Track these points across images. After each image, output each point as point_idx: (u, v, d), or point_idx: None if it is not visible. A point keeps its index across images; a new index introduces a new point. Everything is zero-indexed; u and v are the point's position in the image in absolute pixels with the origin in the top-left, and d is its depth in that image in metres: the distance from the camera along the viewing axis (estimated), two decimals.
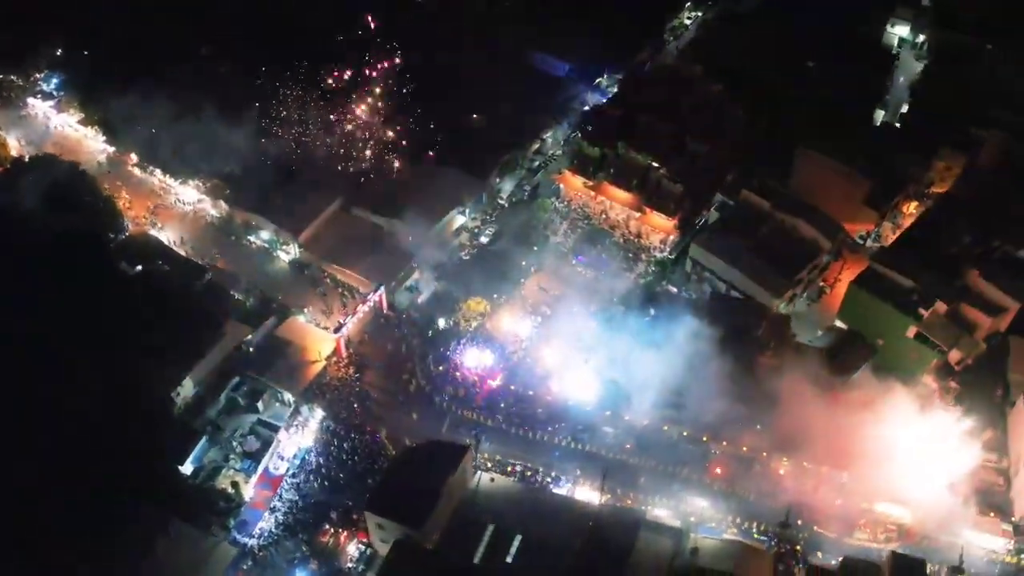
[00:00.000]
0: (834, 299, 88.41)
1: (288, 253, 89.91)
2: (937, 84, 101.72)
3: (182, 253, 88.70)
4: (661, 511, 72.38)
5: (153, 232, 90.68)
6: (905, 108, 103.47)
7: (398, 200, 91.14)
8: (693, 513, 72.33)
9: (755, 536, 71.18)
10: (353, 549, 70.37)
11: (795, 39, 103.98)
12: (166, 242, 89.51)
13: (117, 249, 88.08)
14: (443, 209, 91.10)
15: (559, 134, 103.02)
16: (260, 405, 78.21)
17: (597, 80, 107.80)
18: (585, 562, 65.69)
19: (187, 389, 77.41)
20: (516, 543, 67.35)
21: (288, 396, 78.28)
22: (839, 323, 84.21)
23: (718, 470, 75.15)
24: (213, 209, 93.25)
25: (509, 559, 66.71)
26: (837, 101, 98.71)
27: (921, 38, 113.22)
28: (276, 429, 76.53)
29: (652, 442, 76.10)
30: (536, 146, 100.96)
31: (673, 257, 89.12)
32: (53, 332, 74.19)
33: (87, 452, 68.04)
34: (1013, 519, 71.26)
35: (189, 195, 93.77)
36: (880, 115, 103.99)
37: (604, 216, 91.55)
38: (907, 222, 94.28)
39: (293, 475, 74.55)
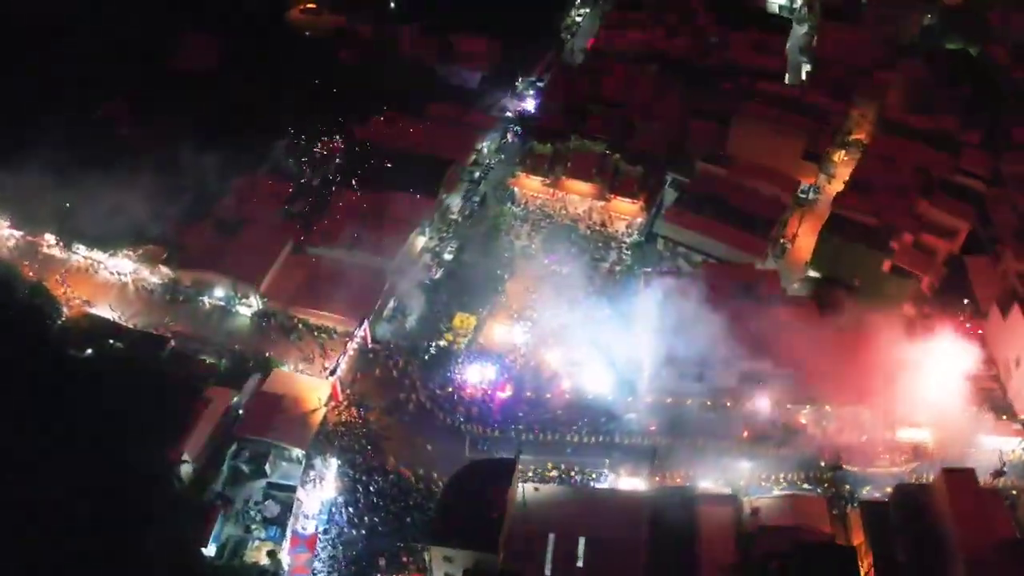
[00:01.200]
0: (797, 252, 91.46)
1: (250, 306, 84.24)
2: (831, 40, 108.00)
3: (131, 327, 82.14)
4: (706, 482, 72.13)
5: (93, 311, 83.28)
6: (808, 68, 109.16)
7: (352, 231, 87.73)
8: (740, 477, 72.52)
9: (803, 487, 72.20)
10: None
11: (693, 16, 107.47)
12: (112, 319, 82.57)
13: (57, 336, 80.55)
14: (402, 233, 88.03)
15: (492, 143, 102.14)
16: (267, 468, 72.57)
17: (515, 84, 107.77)
18: (657, 547, 64.52)
19: (185, 467, 70.86)
20: (582, 546, 65.41)
21: (296, 452, 72.88)
22: (812, 272, 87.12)
23: (745, 433, 75.97)
24: (154, 275, 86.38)
25: (580, 563, 64.72)
26: (746, 70, 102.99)
27: (799, 2, 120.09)
28: (292, 489, 71.13)
29: (677, 418, 75.99)
30: (473, 157, 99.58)
31: (642, 239, 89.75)
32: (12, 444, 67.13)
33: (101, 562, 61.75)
34: (1021, 418, 75.77)
35: (123, 266, 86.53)
36: (785, 77, 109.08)
37: (564, 212, 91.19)
38: (838, 171, 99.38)
39: (325, 531, 69.54)
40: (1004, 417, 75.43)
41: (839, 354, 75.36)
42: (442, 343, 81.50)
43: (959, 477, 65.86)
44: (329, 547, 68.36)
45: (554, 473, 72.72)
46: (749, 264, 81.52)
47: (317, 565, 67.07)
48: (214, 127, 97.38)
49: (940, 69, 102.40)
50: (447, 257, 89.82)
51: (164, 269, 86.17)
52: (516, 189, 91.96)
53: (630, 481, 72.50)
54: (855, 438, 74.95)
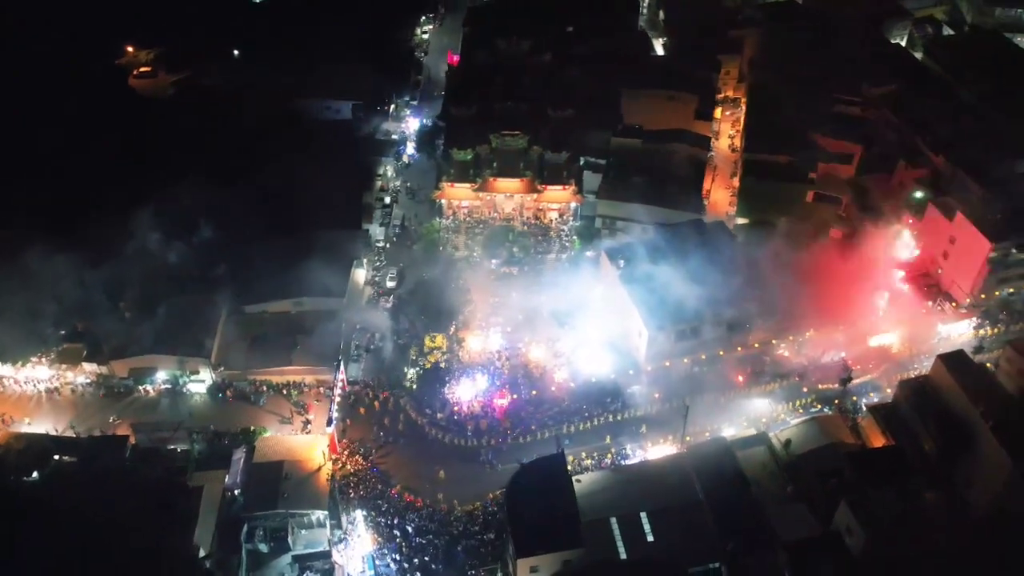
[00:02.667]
0: (713, 206, 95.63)
1: (202, 381, 76.77)
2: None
3: (75, 436, 72.53)
4: (730, 430, 73.43)
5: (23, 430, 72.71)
6: (662, 41, 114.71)
7: (288, 279, 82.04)
8: (760, 417, 74.51)
9: (813, 410, 75.16)
10: None
11: (549, 11, 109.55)
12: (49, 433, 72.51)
13: None
14: (343, 269, 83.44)
15: (389, 167, 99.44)
16: (290, 541, 66.01)
17: (391, 107, 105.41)
18: (715, 500, 64.44)
19: (204, 564, 62.98)
20: (645, 521, 64.42)
21: (316, 515, 66.74)
22: (740, 220, 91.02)
23: (740, 377, 78.13)
24: (79, 376, 76.79)
25: (650, 538, 63.61)
26: (613, 51, 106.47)
27: None
28: (325, 555, 65.15)
29: (677, 379, 76.96)
30: (379, 184, 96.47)
31: (579, 222, 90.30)
32: None
33: None
34: (966, 301, 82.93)
35: (39, 374, 76.33)
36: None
37: (495, 214, 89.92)
38: (720, 128, 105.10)
39: None
40: (954, 305, 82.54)
41: (803, 284, 79.48)
42: (419, 368, 78.06)
43: (955, 359, 71.00)
44: None
45: (588, 462, 71.47)
46: (699, 220, 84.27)
47: None
48: (76, 211, 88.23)
49: (781, 19, 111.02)
50: (390, 285, 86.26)
51: (89, 366, 76.88)
52: (443, 201, 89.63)
53: (660, 449, 72.51)
54: (837, 355, 79.35)
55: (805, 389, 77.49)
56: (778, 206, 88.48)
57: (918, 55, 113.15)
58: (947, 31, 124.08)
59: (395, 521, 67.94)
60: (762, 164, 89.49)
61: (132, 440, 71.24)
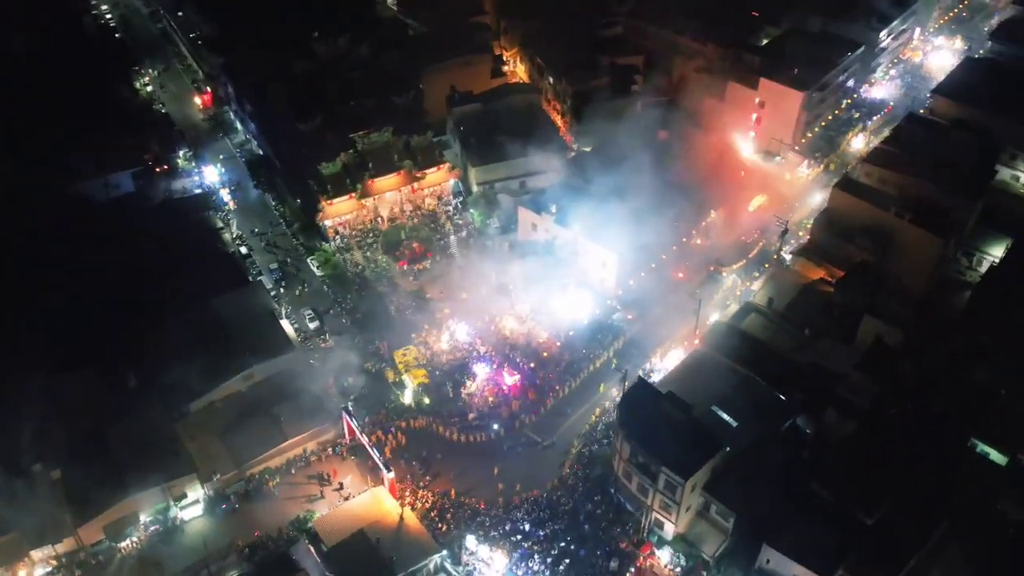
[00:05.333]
0: None
1: (196, 501, 63.37)
2: None
3: None
4: (714, 315, 78.25)
5: None
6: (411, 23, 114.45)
7: (217, 358, 69.62)
8: (731, 290, 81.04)
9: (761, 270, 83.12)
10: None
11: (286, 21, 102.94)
12: None
13: None
14: (266, 325, 73.17)
15: (223, 214, 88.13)
16: None
17: (177, 164, 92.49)
18: (760, 369, 68.43)
19: None
20: (720, 412, 66.27)
21: (433, 561, 59.57)
22: (584, 148, 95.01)
23: (680, 274, 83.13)
24: (37, 569, 59.16)
25: (734, 424, 65.69)
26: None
27: None
28: None
29: (645, 295, 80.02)
30: (225, 236, 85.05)
31: (464, 197, 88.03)
32: None
33: None
34: (794, 148, 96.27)
35: None
36: None
37: (380, 218, 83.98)
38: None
39: None
40: (789, 155, 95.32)
41: (685, 178, 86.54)
42: (412, 387, 72.07)
43: (848, 183, 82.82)
44: None
45: None
46: (580, 152, 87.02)
47: None
48: None
49: None
50: (312, 326, 77.45)
51: (41, 552, 59.40)
52: (326, 223, 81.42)
53: (673, 357, 75.04)
54: (738, 224, 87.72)
55: (723, 271, 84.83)
56: (615, 124, 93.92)
57: None
58: None
59: (506, 528, 63.19)
60: (587, 92, 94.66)
61: None
